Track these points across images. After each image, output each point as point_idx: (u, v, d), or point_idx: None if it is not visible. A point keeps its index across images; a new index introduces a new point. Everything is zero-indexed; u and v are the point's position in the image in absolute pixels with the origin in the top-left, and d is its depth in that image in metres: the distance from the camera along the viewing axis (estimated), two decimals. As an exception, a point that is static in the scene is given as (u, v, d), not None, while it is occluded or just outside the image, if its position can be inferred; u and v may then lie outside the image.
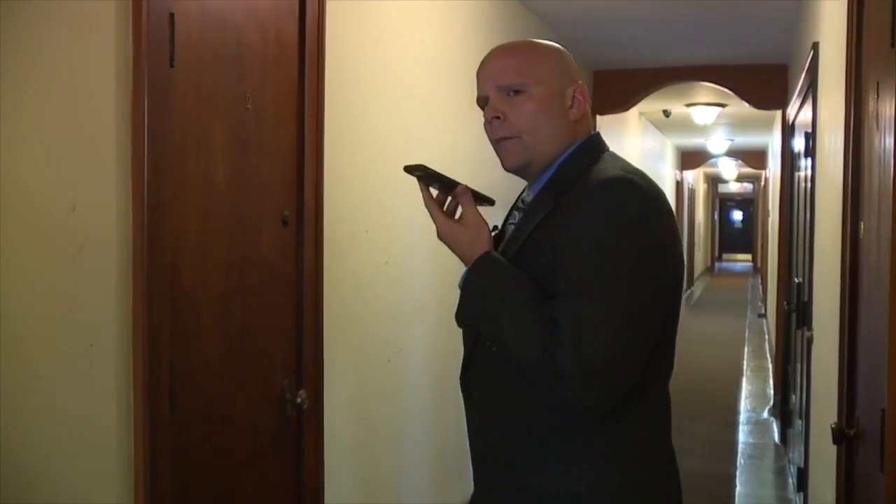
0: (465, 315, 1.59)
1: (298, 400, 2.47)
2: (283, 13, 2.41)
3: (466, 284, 1.56)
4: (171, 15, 1.94)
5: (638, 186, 1.47)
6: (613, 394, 1.43)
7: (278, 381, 2.44)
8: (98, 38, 1.79)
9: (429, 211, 1.60)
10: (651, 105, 8.78)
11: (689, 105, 8.98)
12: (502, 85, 1.58)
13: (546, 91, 1.57)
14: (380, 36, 3.11)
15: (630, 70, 6.75)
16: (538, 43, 1.65)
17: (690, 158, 16.02)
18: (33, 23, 1.64)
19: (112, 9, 1.81)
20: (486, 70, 1.61)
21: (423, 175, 1.56)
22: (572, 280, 1.43)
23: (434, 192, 1.63)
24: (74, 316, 1.74)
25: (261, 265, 2.35)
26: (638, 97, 7.00)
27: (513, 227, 1.64)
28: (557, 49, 1.64)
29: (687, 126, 10.65)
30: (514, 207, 1.70)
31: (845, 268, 2.41)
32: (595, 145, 1.62)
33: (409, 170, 1.56)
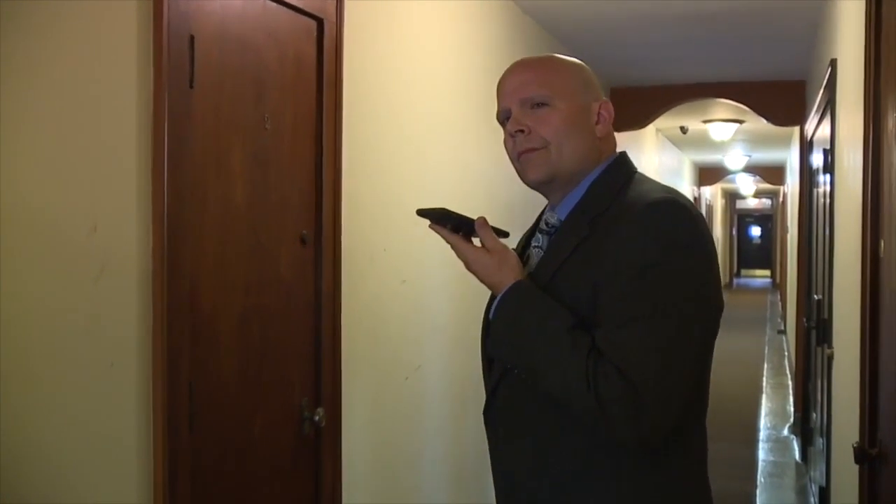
0: (498, 348, 1.50)
1: (316, 418, 2.47)
2: (301, 34, 2.43)
3: (498, 315, 1.47)
4: (192, 37, 1.97)
5: (687, 210, 1.41)
6: (661, 427, 1.36)
7: (296, 400, 2.44)
8: (119, 60, 1.81)
9: (451, 243, 1.51)
10: (668, 122, 8.76)
11: (706, 121, 8.96)
12: (525, 98, 1.51)
13: (571, 105, 1.51)
14: (396, 57, 3.13)
15: (647, 87, 6.75)
16: (560, 57, 1.60)
17: (708, 174, 15.97)
18: (53, 44, 1.66)
19: (133, 31, 1.83)
20: (508, 84, 1.56)
21: (437, 217, 1.51)
22: (617, 307, 1.36)
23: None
24: (95, 335, 1.75)
25: (279, 285, 2.36)
26: (655, 114, 7.00)
27: (538, 250, 1.57)
28: (580, 64, 1.59)
29: (704, 142, 10.63)
30: (537, 229, 1.61)
31: (865, 286, 2.39)
32: (625, 165, 1.56)
33: (423, 213, 1.51)
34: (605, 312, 1.37)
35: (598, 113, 1.54)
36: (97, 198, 1.76)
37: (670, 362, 1.34)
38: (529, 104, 1.51)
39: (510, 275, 1.46)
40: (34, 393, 1.63)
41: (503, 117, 1.56)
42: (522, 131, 1.50)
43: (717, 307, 1.45)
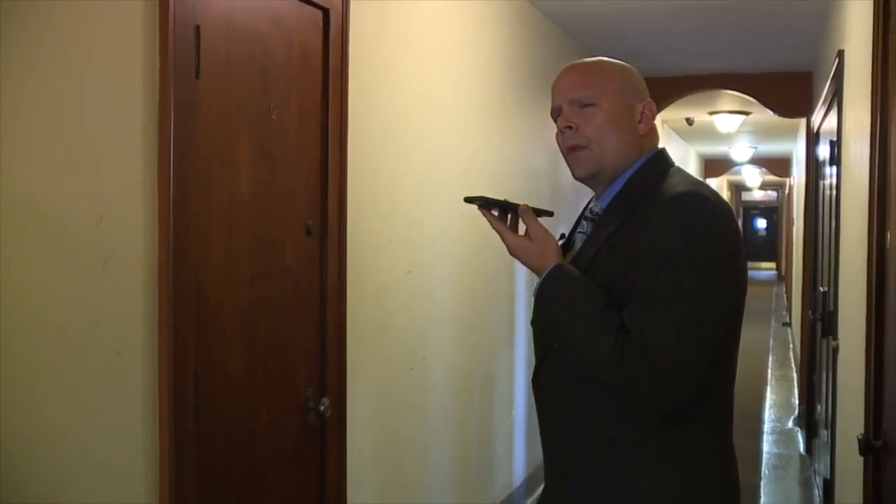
0: (539, 324, 1.71)
1: (321, 408, 2.48)
2: (307, 25, 2.43)
3: (539, 295, 1.64)
4: (197, 27, 1.97)
5: (709, 201, 1.56)
6: (680, 397, 1.51)
7: (301, 390, 2.45)
8: (125, 50, 1.81)
9: (498, 230, 1.68)
10: (674, 113, 8.73)
11: (712, 113, 8.92)
12: (574, 98, 1.68)
13: (615, 105, 1.67)
14: (403, 48, 3.12)
15: (653, 78, 6.64)
16: (608, 60, 1.76)
17: (714, 166, 15.92)
18: (60, 35, 1.66)
19: (139, 21, 1.84)
20: (559, 85, 1.72)
21: (483, 203, 1.65)
22: (643, 289, 1.52)
23: (495, 213, 1.70)
24: (101, 324, 1.76)
25: (284, 275, 2.36)
26: (661, 106, 6.97)
27: (582, 235, 1.73)
28: (626, 67, 1.76)
29: (710, 134, 10.59)
30: (583, 217, 1.78)
31: (871, 278, 2.39)
32: (663, 160, 1.72)
33: (470, 200, 1.66)
34: (633, 294, 1.53)
35: (642, 112, 1.71)
36: (103, 188, 1.76)
37: (689, 340, 1.49)
38: (578, 103, 1.68)
39: (551, 259, 1.64)
40: (40, 382, 1.64)
41: (555, 114, 1.72)
42: (570, 128, 1.67)
43: (739, 290, 1.60)
